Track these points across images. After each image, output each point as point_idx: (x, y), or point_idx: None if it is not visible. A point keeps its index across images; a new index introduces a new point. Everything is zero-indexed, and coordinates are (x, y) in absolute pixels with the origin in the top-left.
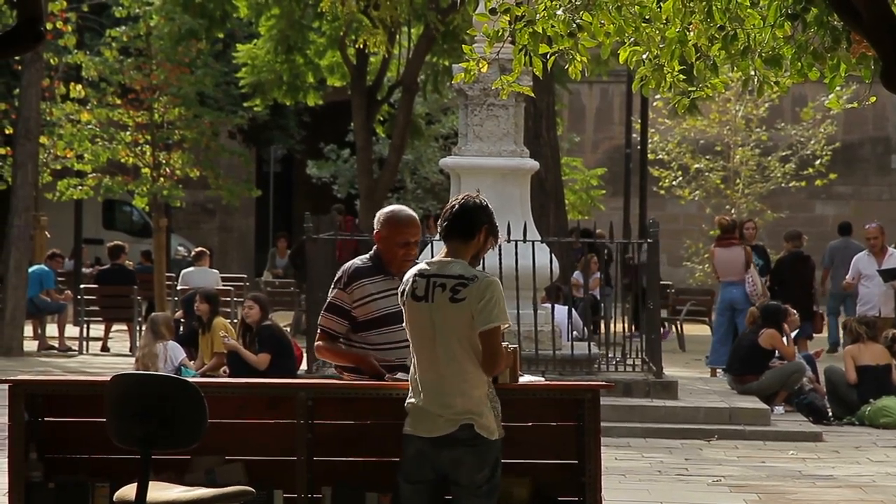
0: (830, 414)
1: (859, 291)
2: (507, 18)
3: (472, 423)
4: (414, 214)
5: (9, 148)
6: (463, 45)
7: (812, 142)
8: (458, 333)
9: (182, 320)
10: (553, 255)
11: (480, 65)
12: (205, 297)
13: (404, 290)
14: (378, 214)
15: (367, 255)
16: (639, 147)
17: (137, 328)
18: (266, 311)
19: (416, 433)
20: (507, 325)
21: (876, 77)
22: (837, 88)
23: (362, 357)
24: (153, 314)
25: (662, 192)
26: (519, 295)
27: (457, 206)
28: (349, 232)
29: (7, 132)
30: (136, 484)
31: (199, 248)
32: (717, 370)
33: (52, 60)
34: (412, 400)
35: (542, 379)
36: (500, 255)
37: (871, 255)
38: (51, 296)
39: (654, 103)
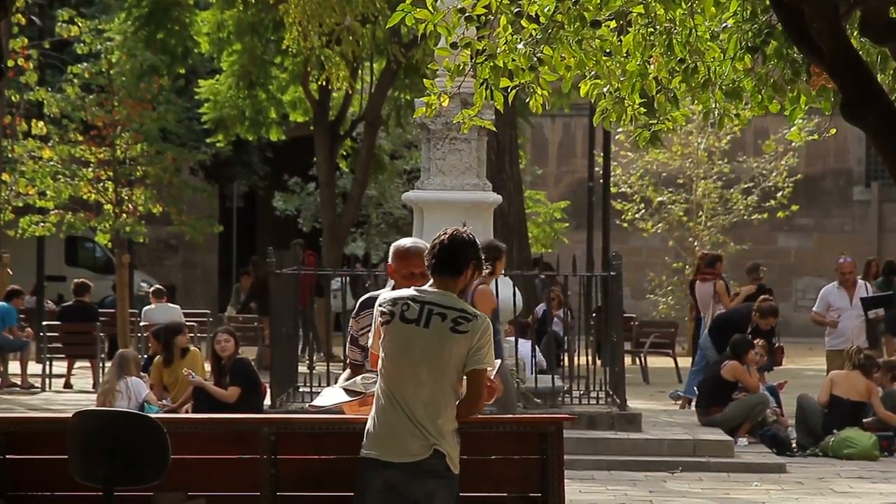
0: (794, 445)
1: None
2: (468, 53)
3: (445, 453)
4: (420, 246)
5: None
6: (424, 80)
7: (774, 174)
8: (450, 364)
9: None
10: (516, 289)
11: (442, 99)
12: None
13: (390, 310)
14: (391, 248)
15: (389, 287)
16: (601, 180)
17: (101, 365)
18: (238, 345)
19: (383, 458)
20: (492, 368)
21: (836, 109)
22: (798, 121)
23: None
24: (121, 350)
25: (625, 224)
26: None
27: (446, 241)
28: (311, 267)
29: None
30: None
31: (156, 287)
32: (690, 399)
33: (13, 97)
34: (381, 417)
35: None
36: None
37: (840, 288)
38: (13, 333)
39: (617, 136)
